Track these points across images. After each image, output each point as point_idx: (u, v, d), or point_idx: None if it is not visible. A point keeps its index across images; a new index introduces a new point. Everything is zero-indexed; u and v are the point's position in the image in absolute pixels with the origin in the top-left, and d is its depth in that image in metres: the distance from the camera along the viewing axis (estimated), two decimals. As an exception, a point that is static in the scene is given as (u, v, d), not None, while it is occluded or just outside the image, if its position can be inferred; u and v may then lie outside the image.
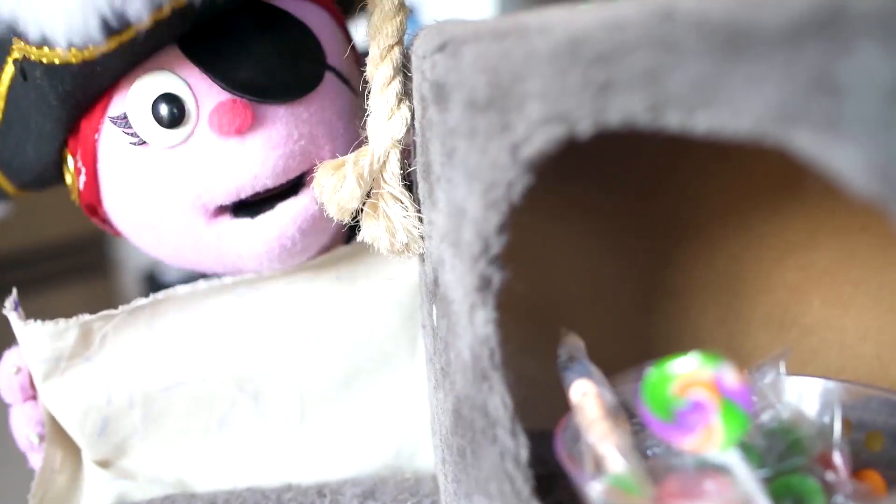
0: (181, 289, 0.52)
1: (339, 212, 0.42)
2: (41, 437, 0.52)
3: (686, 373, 0.31)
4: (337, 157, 0.47)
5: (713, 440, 0.31)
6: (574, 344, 0.38)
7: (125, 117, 0.47)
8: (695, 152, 0.51)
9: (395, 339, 0.54)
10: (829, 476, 0.36)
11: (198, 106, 0.47)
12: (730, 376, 0.30)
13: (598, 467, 0.34)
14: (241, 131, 0.46)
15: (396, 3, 0.43)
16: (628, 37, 0.28)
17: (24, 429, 0.52)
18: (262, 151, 0.47)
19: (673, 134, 0.30)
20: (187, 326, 0.52)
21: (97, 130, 0.48)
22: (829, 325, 0.53)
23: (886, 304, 0.52)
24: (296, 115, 0.48)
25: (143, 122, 0.46)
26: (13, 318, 0.50)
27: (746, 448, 0.35)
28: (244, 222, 0.49)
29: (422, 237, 0.43)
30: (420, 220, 0.43)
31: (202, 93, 0.47)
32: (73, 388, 0.51)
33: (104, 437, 0.52)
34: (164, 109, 0.46)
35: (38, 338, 0.50)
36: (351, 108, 0.52)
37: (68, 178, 0.51)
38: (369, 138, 0.43)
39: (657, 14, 0.27)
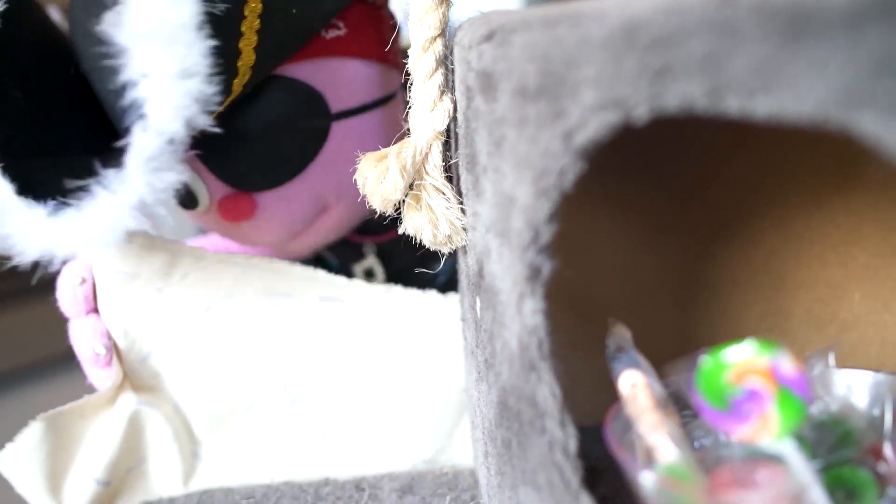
0: (279, 262, 0.53)
1: (382, 203, 0.42)
2: (108, 349, 0.52)
3: (742, 360, 0.31)
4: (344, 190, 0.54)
5: (768, 429, 0.31)
6: (622, 334, 0.38)
7: None
8: (736, 149, 0.50)
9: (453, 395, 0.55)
10: (882, 467, 0.35)
11: (210, 193, 0.51)
12: (787, 364, 0.30)
13: (649, 458, 0.34)
14: (246, 218, 0.52)
15: (439, -6, 0.43)
16: (686, 21, 0.28)
17: (90, 341, 0.53)
18: (268, 226, 0.53)
19: (724, 123, 0.30)
20: (265, 305, 0.53)
21: None
22: (870, 320, 0.52)
23: (929, 299, 0.51)
24: (298, 187, 0.52)
25: None
26: None
27: (797, 440, 0.35)
28: None
29: (464, 229, 0.43)
30: (463, 211, 0.42)
31: (211, 183, 0.51)
32: (135, 311, 0.52)
33: (145, 365, 0.53)
34: (179, 195, 0.47)
35: (129, 246, 0.51)
36: (371, 125, 0.54)
37: None
38: (411, 130, 0.43)
39: (716, -2, 0.27)
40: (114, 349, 0.53)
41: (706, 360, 0.32)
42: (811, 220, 0.51)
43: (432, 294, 0.54)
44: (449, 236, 0.43)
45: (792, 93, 0.26)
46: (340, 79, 0.52)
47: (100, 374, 0.53)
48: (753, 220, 0.52)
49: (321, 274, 0.53)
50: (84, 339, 0.53)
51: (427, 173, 0.43)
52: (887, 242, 0.51)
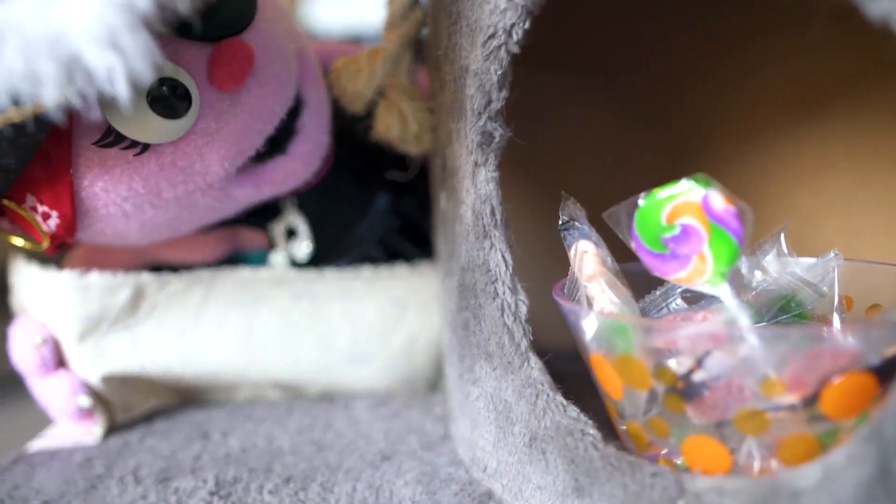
0: (244, 271, 0.51)
1: (352, 99, 0.44)
2: (91, 398, 0.49)
3: (674, 194, 0.31)
4: None
5: (705, 269, 0.31)
6: (574, 208, 0.39)
7: (111, 133, 0.39)
8: (709, 75, 0.51)
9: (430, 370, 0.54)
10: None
11: (195, 79, 0.40)
12: (717, 199, 0.31)
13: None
14: (250, 66, 0.41)
15: None
16: None
17: (68, 398, 0.49)
18: (273, 71, 0.43)
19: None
20: (237, 316, 0.51)
21: (68, 167, 0.40)
22: (842, 250, 0.52)
23: (900, 229, 0.52)
24: (267, 22, 0.43)
25: (142, 126, 0.39)
26: (51, 271, 0.48)
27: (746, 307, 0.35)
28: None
29: (432, 130, 0.44)
30: (430, 112, 0.44)
31: (188, 59, 0.40)
32: (105, 356, 0.49)
33: (124, 388, 0.52)
34: (166, 100, 0.39)
35: (88, 290, 0.48)
36: None
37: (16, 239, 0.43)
38: (385, 37, 0.45)
39: None
40: (94, 397, 0.50)
41: (643, 200, 0.32)
42: (782, 149, 0.52)
43: (399, 267, 0.53)
44: (417, 135, 0.44)
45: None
46: None
47: (82, 427, 0.50)
48: (725, 148, 0.53)
49: (290, 273, 0.52)
50: (61, 396, 0.49)
51: (398, 77, 0.45)
52: (858, 171, 0.51)
